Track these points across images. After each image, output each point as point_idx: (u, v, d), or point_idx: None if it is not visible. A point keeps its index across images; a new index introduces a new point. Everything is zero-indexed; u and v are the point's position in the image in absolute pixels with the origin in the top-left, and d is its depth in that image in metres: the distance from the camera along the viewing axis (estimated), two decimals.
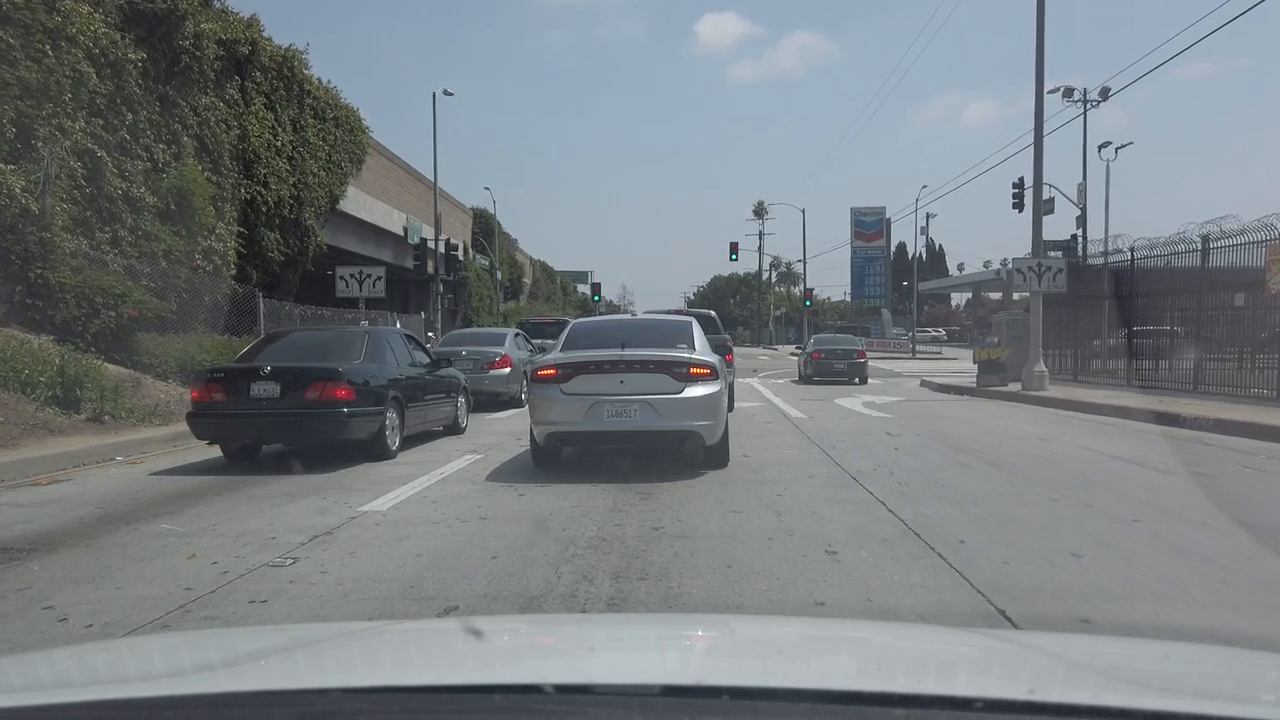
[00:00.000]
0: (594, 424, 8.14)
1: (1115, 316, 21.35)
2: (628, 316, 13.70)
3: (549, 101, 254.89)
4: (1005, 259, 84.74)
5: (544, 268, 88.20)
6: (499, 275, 54.96)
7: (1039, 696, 1.25)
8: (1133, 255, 19.63)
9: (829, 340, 28.14)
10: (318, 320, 21.57)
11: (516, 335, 18.71)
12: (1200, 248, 17.39)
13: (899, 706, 1.17)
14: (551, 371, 8.35)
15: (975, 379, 21.26)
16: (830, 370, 25.27)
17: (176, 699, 1.28)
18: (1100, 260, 23.13)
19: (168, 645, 2.15)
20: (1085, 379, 21.29)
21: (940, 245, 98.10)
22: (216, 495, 7.37)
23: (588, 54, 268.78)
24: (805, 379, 25.68)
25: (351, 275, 21.41)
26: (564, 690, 1.23)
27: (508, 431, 12.15)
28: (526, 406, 14.16)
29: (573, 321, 10.62)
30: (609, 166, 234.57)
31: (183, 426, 11.99)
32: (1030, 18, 24.24)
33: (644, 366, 8.20)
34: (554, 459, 8.70)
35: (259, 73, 22.77)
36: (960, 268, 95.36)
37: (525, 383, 14.92)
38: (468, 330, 23.20)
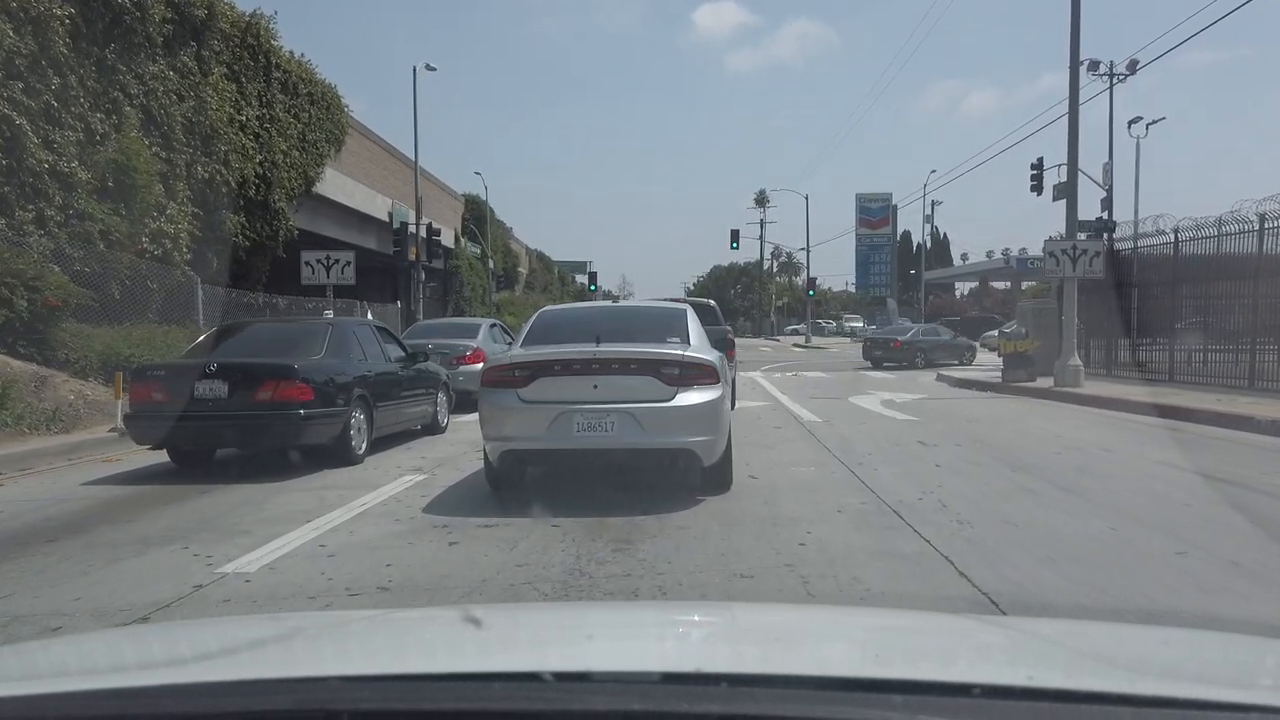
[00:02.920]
0: (560, 440, 6.36)
1: (1152, 305, 19.54)
2: (607, 304, 11.44)
3: (546, 91, 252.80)
4: (1007, 249, 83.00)
5: (541, 257, 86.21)
6: (492, 264, 52.96)
7: (1038, 682, 1.24)
8: (1176, 237, 17.76)
9: (878, 331, 33.21)
10: (271, 310, 19.66)
11: (493, 326, 16.80)
12: (1257, 227, 15.54)
13: (897, 692, 1.14)
14: (506, 373, 6.58)
15: (1000, 373, 19.42)
16: (871, 356, 28.64)
17: (175, 688, 1.25)
18: (1129, 244, 21.32)
19: (166, 634, 2.10)
20: (1119, 373, 19.45)
21: (945, 234, 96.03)
22: (48, 542, 5.50)
23: (585, 42, 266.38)
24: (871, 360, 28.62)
25: (318, 260, 19.49)
26: (563, 678, 1.21)
27: (469, 441, 10.27)
28: None
29: (540, 309, 8.70)
30: (608, 156, 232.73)
31: (89, 434, 10.26)
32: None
33: (624, 366, 6.44)
34: (513, 482, 6.92)
35: (218, 40, 20.83)
36: (964, 258, 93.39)
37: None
38: (437, 321, 20.95)
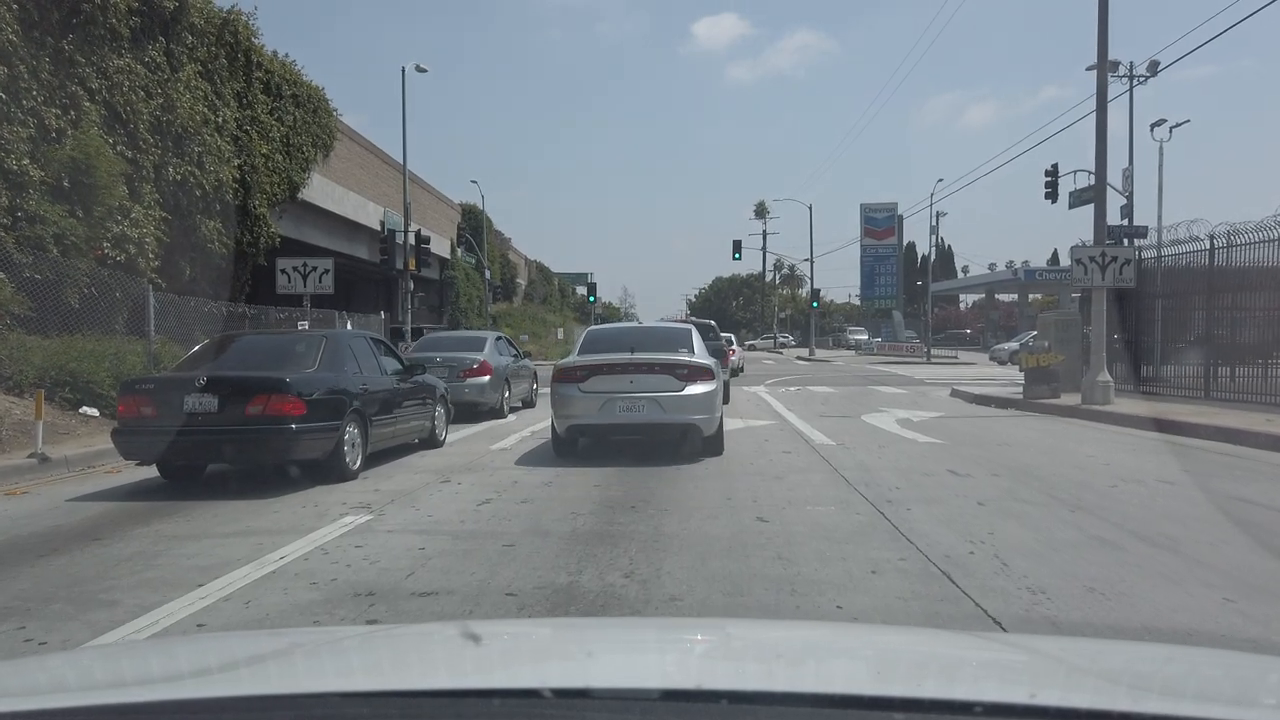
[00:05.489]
0: (608, 418, 9.27)
1: (1182, 316, 18.33)
2: (636, 324, 14.76)
3: (548, 102, 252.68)
4: (1010, 261, 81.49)
5: (540, 268, 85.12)
6: (488, 274, 51.74)
7: (1040, 700, 1.22)
8: (1212, 244, 16.51)
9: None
10: (243, 321, 18.45)
11: (498, 339, 16.86)
12: None
13: (899, 710, 1.15)
14: (571, 372, 9.49)
15: (1022, 389, 18.17)
16: None
17: (173, 703, 1.26)
18: (1154, 252, 20.10)
19: (164, 649, 2.11)
20: (1148, 389, 18.17)
21: (949, 245, 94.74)
22: None
23: (587, 54, 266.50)
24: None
25: (294, 268, 18.30)
26: (562, 694, 1.20)
27: (433, 470, 9.05)
28: (510, 417, 14.80)
29: (589, 329, 12.00)
30: (610, 168, 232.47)
31: (4, 459, 9.04)
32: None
33: (650, 368, 9.33)
34: (572, 449, 9.75)
35: (190, 35, 19.67)
36: (965, 270, 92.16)
37: (508, 388, 15.82)
38: (445, 334, 20.84)
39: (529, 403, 17.30)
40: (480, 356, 15.07)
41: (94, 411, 11.87)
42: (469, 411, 14.30)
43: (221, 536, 5.90)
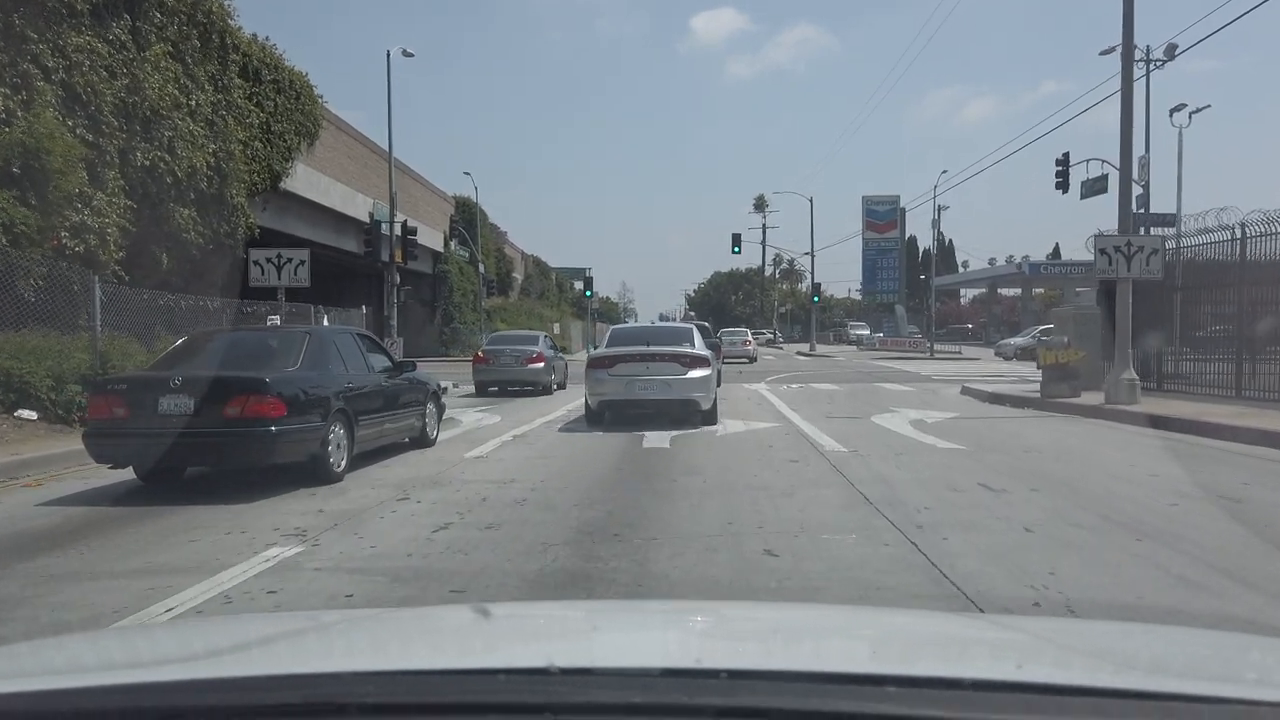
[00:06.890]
0: (629, 394, 12.24)
1: (1207, 311, 17.36)
2: (650, 324, 19.36)
3: (546, 100, 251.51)
4: (1011, 255, 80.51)
5: (538, 263, 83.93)
6: (483, 268, 50.57)
7: (1027, 676, 1.26)
8: (1244, 233, 15.47)
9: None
10: (200, 314, 17.37)
11: (545, 337, 22.83)
12: None
13: (892, 686, 1.17)
14: (603, 360, 12.59)
15: (1039, 387, 17.15)
16: None
17: (187, 683, 1.27)
18: (1172, 243, 19.11)
19: (179, 631, 2.23)
20: (1172, 387, 17.18)
21: (950, 240, 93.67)
22: None
23: (586, 52, 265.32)
24: None
25: (268, 259, 17.22)
26: (567, 672, 1.21)
27: (393, 483, 7.97)
28: (555, 394, 20.02)
29: (613, 328, 15.82)
30: (608, 166, 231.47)
31: None
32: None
33: (661, 357, 12.31)
34: (601, 419, 12.53)
35: (158, 13, 18.57)
36: (965, 264, 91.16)
37: (554, 373, 21.22)
38: (509, 332, 26.16)
39: (562, 385, 21.73)
40: (536, 349, 20.95)
41: (32, 415, 10.83)
42: (530, 390, 20.06)
43: (112, 576, 4.84)
